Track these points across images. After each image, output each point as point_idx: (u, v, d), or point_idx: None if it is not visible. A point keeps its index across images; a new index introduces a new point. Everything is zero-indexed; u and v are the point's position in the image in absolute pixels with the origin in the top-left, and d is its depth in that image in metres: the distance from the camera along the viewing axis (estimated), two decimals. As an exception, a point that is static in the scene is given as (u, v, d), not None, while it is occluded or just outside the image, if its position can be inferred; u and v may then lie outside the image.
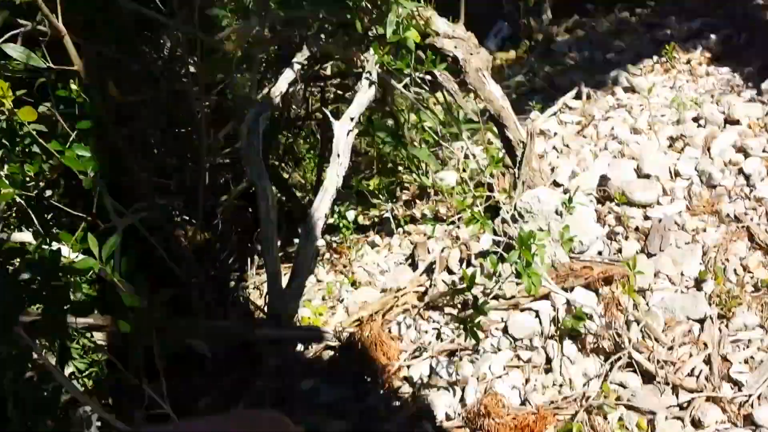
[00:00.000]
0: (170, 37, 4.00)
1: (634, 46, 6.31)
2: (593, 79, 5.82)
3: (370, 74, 3.52)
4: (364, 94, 3.52)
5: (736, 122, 3.99)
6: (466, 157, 4.84)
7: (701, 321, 2.97)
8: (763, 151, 3.67)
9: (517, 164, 3.87)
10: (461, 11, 3.91)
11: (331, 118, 3.42)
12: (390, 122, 5.03)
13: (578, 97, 5.43)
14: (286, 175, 6.11)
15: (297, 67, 3.67)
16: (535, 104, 5.52)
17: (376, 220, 4.94)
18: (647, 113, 4.63)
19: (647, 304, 3.10)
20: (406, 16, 3.46)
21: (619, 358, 2.90)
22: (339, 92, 5.04)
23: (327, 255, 4.61)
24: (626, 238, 3.43)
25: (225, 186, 4.96)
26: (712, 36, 5.61)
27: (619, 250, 3.38)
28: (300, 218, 5.59)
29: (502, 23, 7.79)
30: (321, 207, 3.10)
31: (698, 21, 6.09)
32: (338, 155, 3.21)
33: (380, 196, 4.97)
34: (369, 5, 3.45)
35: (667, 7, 6.93)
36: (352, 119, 3.36)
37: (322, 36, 3.78)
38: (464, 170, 4.62)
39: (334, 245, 4.64)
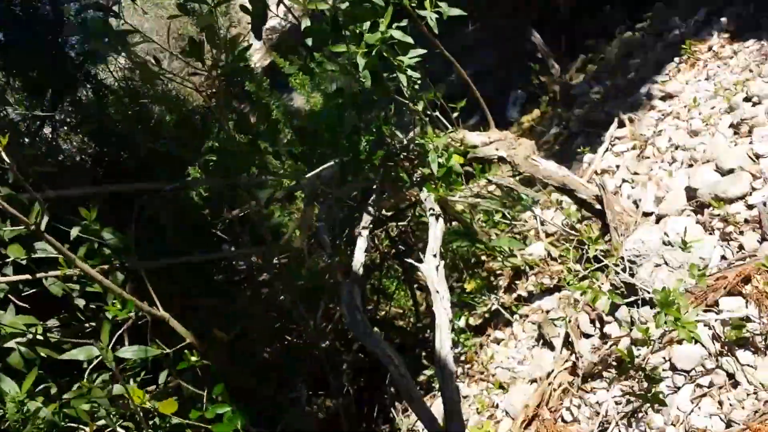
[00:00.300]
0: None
1: (650, 58, 6.39)
2: (626, 103, 5.89)
3: (433, 210, 3.68)
4: (436, 229, 3.66)
5: (789, 86, 3.97)
6: (542, 223, 4.90)
7: None
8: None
9: (602, 215, 3.92)
10: (488, 116, 4.07)
11: (416, 264, 3.54)
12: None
13: (621, 125, 5.47)
14: (383, 313, 6.21)
15: (365, 233, 3.85)
16: (584, 149, 5.58)
17: (487, 316, 4.93)
18: (696, 112, 4.64)
19: (795, 284, 3.01)
20: (443, 147, 3.66)
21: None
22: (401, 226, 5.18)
23: (458, 369, 4.59)
24: (741, 233, 3.37)
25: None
26: (722, 19, 5.66)
27: (741, 247, 3.32)
28: (411, 346, 5.68)
29: (516, 91, 8.00)
30: (444, 344, 3.14)
31: (702, 11, 6.17)
32: (437, 291, 3.29)
33: (481, 295, 4.98)
34: (408, 154, 3.67)
35: (662, 10, 7.05)
36: (435, 255, 3.47)
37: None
38: (552, 240, 4.66)
39: (461, 357, 4.62)
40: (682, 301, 2.67)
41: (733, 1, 5.96)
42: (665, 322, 2.62)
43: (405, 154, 3.92)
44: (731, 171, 3.64)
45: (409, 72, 3.54)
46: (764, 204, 3.34)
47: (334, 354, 5.19)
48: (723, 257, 3.34)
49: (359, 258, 3.82)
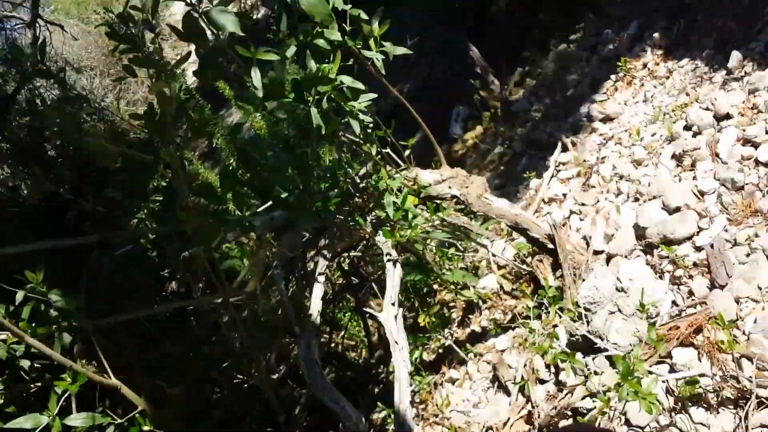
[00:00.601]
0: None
1: (586, 73, 6.40)
2: (567, 124, 5.89)
3: (390, 255, 3.58)
4: (394, 276, 3.57)
5: (727, 116, 3.98)
6: (494, 255, 4.86)
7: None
8: (767, 132, 3.65)
9: (554, 254, 3.88)
10: (439, 154, 3.99)
11: (376, 313, 3.45)
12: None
13: (564, 149, 5.46)
14: (334, 345, 6.11)
15: (322, 279, 3.74)
16: (529, 173, 5.56)
17: (440, 351, 4.88)
18: (638, 138, 4.66)
19: (744, 333, 3.00)
20: (397, 188, 3.56)
21: (748, 402, 2.79)
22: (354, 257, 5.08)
23: (413, 410, 4.51)
24: (690, 277, 3.36)
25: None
26: (654, 35, 5.69)
27: (690, 293, 3.31)
28: (365, 382, 5.60)
29: (458, 108, 7.95)
30: (403, 399, 3.05)
31: (634, 25, 6.19)
32: (396, 342, 3.19)
33: (434, 329, 4.92)
34: (362, 195, 3.57)
35: (593, 21, 7.08)
36: (393, 304, 3.37)
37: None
38: (504, 273, 4.63)
39: (415, 396, 4.54)
40: (640, 367, 2.62)
41: (665, 11, 5.99)
42: (626, 396, 2.57)
43: (359, 195, 3.80)
44: (677, 209, 3.64)
45: (361, 116, 3.45)
46: (711, 246, 3.34)
47: (287, 396, 5.09)
48: (674, 303, 3.33)
49: (316, 306, 3.70)
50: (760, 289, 3.09)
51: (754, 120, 3.82)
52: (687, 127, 4.21)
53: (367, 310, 3.66)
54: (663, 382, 3.05)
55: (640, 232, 3.73)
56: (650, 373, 2.94)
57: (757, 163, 3.55)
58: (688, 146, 3.99)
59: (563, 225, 4.60)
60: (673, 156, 4.11)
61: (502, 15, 8.45)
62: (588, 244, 4.09)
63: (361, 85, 3.29)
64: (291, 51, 3.28)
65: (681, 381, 2.96)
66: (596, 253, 3.96)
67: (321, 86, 3.17)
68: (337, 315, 5.99)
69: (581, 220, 4.45)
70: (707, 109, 4.18)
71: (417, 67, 9.17)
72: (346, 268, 5.23)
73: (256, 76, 3.08)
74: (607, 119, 5.34)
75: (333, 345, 6.07)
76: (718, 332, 3.03)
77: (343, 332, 6.25)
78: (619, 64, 5.71)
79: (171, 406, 3.60)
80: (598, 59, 6.42)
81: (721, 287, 3.18)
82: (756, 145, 3.63)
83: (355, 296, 5.43)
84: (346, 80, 3.22)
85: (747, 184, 3.51)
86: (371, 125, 3.54)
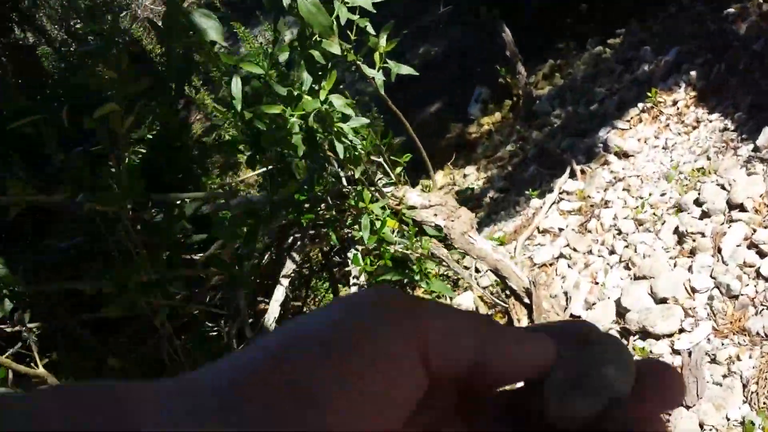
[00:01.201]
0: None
1: (616, 91, 6.12)
2: (583, 144, 5.67)
3: (357, 280, 3.46)
4: None
5: (741, 207, 3.79)
6: (477, 270, 4.74)
7: (761, 478, 2.79)
8: (777, 242, 3.48)
9: (529, 309, 3.76)
10: (432, 176, 3.81)
11: None
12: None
13: (572, 175, 5.27)
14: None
15: (286, 282, 3.63)
16: (532, 191, 5.39)
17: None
18: (647, 191, 4.48)
19: (701, 466, 2.93)
20: (379, 210, 3.40)
21: None
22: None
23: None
24: (660, 381, 3.26)
25: None
26: (692, 73, 5.39)
27: (657, 399, 3.21)
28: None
29: (480, 88, 7.66)
30: None
31: (673, 51, 5.87)
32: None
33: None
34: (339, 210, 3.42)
35: (635, 30, 6.74)
36: None
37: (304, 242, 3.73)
38: (482, 294, 4.52)
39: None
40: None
41: (708, 45, 5.68)
42: None
43: (335, 212, 3.66)
44: (664, 300, 3.50)
45: (350, 137, 3.27)
46: (689, 354, 3.23)
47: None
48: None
49: (273, 312, 3.65)
50: (728, 420, 2.99)
51: (766, 220, 3.63)
52: (697, 202, 4.02)
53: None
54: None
55: (621, 310, 3.61)
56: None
57: (758, 275, 3.39)
58: (693, 228, 3.82)
59: (551, 264, 4.48)
60: (676, 231, 3.94)
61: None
62: (567, 301, 3.97)
63: (351, 112, 3.11)
64: (284, 57, 3.09)
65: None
66: (573, 316, 3.85)
67: (307, 102, 2.99)
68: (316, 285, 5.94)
69: (569, 267, 4.32)
70: (723, 188, 3.98)
71: (447, 33, 8.80)
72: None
73: (236, 85, 2.89)
74: (622, 155, 5.13)
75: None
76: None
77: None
78: (650, 94, 5.45)
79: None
80: (630, 79, 6.12)
81: (687, 407, 3.08)
82: (763, 254, 3.45)
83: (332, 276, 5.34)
84: (337, 103, 3.03)
85: (742, 294, 3.36)
86: (358, 147, 3.37)
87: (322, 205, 3.60)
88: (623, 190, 4.71)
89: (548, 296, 3.92)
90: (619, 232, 4.29)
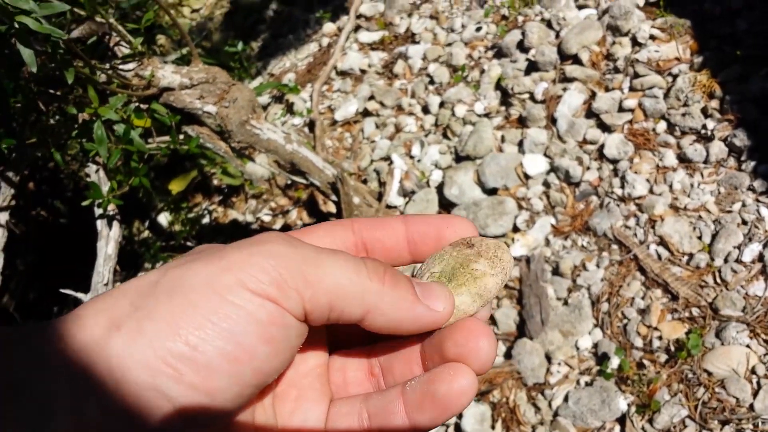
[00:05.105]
0: None
1: None
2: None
3: (104, 214, 2.39)
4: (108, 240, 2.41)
5: (574, 58, 3.09)
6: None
7: (620, 420, 2.41)
8: (620, 109, 2.86)
9: (337, 205, 2.96)
10: (190, 45, 2.65)
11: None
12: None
13: (363, -8, 4.25)
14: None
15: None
16: (324, 13, 4.37)
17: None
18: (458, 23, 3.66)
19: (551, 406, 2.48)
20: (114, 114, 2.26)
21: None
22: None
23: None
24: (498, 299, 2.71)
25: None
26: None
27: (493, 322, 2.67)
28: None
29: None
30: None
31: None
32: None
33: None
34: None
35: None
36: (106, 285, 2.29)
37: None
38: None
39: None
40: None
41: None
42: None
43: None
44: (494, 191, 2.86)
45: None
46: (527, 262, 2.67)
47: None
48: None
49: None
50: (578, 349, 2.53)
51: (607, 79, 2.99)
52: (522, 47, 3.27)
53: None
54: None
55: (445, 202, 2.93)
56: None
57: (601, 155, 2.81)
58: (519, 86, 3.09)
59: (355, 122, 3.63)
60: (498, 87, 3.21)
61: None
62: (381, 184, 3.22)
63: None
64: None
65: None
66: (389, 207, 3.11)
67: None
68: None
69: (377, 127, 3.50)
70: (550, 26, 3.25)
71: None
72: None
73: None
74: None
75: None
76: (520, 393, 2.51)
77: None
78: None
79: None
80: None
81: (531, 337, 2.57)
82: (605, 127, 2.84)
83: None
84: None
85: (583, 181, 2.78)
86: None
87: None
88: (431, 18, 3.82)
89: (359, 188, 3.12)
90: (432, 81, 3.48)
